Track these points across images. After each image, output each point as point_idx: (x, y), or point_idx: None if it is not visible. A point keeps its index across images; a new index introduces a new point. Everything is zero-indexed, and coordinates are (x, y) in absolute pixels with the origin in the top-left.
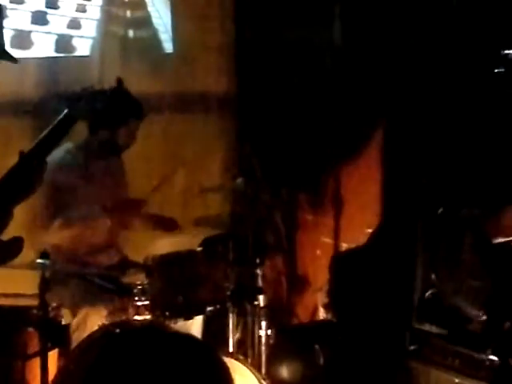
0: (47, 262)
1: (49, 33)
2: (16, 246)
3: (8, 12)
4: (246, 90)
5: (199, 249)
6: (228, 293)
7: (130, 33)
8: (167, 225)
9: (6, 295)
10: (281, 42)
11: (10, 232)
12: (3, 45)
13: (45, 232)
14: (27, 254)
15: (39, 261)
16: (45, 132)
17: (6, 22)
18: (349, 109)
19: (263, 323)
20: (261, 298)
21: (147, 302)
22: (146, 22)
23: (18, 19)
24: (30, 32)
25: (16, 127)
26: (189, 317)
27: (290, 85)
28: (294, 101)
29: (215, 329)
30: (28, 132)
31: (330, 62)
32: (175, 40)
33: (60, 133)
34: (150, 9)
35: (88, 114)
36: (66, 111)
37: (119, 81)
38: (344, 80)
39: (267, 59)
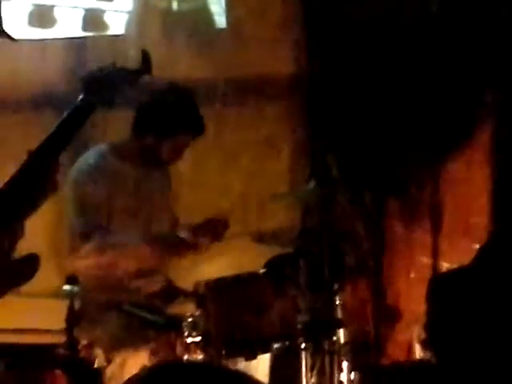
0: (76, 288)
1: (75, 7)
2: (30, 265)
3: None
4: (318, 73)
5: (263, 271)
6: (299, 326)
7: (174, 5)
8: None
9: (27, 331)
10: (360, 14)
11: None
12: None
13: (73, 256)
14: (53, 281)
15: (66, 287)
16: (56, 124)
17: None
18: (451, 93)
19: (345, 364)
20: (341, 332)
21: (199, 339)
22: None
23: None
24: (53, 7)
25: (37, 123)
26: (251, 356)
27: (374, 64)
28: (380, 84)
29: (285, 371)
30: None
31: (422, 37)
32: (229, 13)
33: (74, 124)
34: None
35: (110, 100)
36: (81, 96)
37: (145, 55)
38: (442, 59)
39: (344, 35)
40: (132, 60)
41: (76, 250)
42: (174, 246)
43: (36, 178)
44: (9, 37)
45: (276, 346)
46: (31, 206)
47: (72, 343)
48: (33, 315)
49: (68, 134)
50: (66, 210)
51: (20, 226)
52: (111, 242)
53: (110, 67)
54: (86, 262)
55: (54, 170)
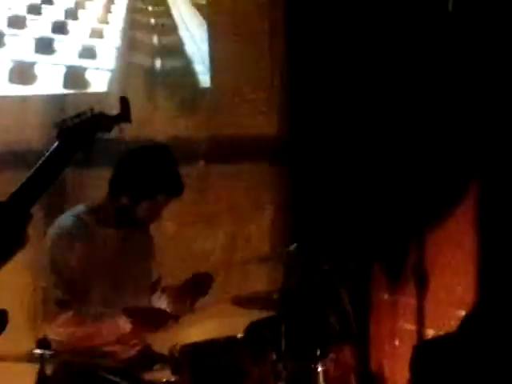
0: (47, 352)
1: (56, 64)
2: None
3: (6, 39)
4: (301, 133)
5: (241, 336)
6: None
7: (158, 63)
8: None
9: None
10: (346, 70)
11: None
12: None
13: (48, 324)
14: (24, 344)
15: (37, 351)
16: (29, 173)
17: (3, 51)
18: (438, 157)
19: None
20: None
21: None
22: (177, 49)
23: (18, 47)
24: (34, 63)
25: (18, 182)
26: None
27: (358, 127)
28: (364, 148)
29: None
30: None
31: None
32: (213, 72)
33: (50, 173)
34: (182, 33)
35: (86, 145)
36: (56, 144)
37: (123, 101)
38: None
39: (327, 101)
40: None
41: (51, 318)
42: (154, 318)
43: (6, 232)
44: None
45: None
46: (0, 259)
47: None
48: (2, 380)
49: (42, 183)
50: (42, 274)
51: None
52: (89, 313)
53: (87, 113)
54: (61, 331)
55: (25, 223)
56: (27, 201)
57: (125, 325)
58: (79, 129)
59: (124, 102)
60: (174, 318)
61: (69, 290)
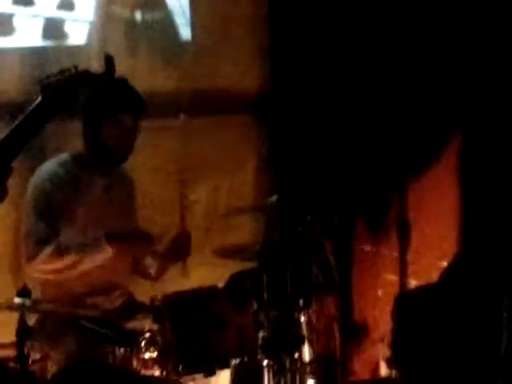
0: (28, 301)
1: (35, 16)
2: None
3: None
4: (282, 85)
5: (222, 285)
6: (260, 342)
7: (138, 15)
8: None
9: None
10: (329, 21)
11: None
12: None
13: (31, 263)
14: (7, 292)
15: (17, 300)
16: (11, 127)
17: None
18: (420, 109)
19: (310, 382)
20: (305, 349)
21: (156, 354)
22: (157, 1)
23: None
24: (12, 15)
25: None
26: (210, 372)
27: (336, 76)
28: (344, 97)
29: None
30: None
31: (391, 50)
32: (194, 24)
33: (30, 129)
34: None
35: (69, 103)
36: (38, 100)
37: (108, 60)
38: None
39: (309, 46)
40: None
41: (33, 257)
42: (135, 241)
43: None
44: None
45: (234, 361)
46: None
47: (22, 357)
48: None
49: (23, 138)
50: (23, 216)
51: None
52: (70, 244)
53: (71, 69)
54: (44, 267)
55: (5, 176)
56: (8, 155)
57: (107, 248)
58: (63, 86)
59: (109, 60)
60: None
61: (50, 227)
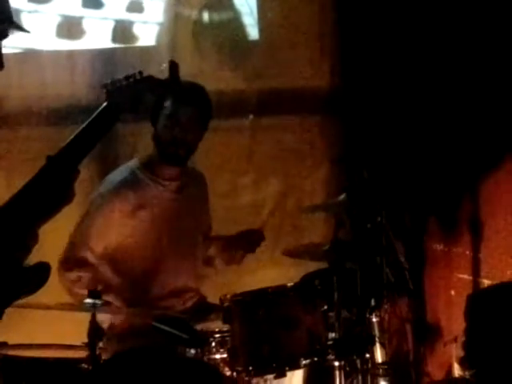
0: (98, 302)
1: (104, 18)
2: (40, 274)
3: None
4: (352, 83)
5: (291, 284)
6: (330, 343)
7: (205, 16)
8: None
9: (49, 346)
10: (399, 15)
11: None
12: (9, 14)
13: (60, 269)
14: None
15: (88, 301)
16: (77, 131)
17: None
18: (492, 107)
19: None
20: (378, 350)
21: (225, 355)
22: (225, 1)
23: (66, 3)
24: (82, 18)
25: (62, 137)
26: (280, 372)
27: (407, 72)
28: (417, 97)
29: None
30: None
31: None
32: (261, 24)
33: (97, 132)
34: None
35: (134, 107)
36: (104, 104)
37: (173, 65)
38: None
39: (380, 46)
40: (162, 73)
41: (64, 269)
42: None
43: (53, 186)
44: (22, 29)
45: (304, 362)
46: (45, 211)
47: (94, 358)
48: (57, 329)
49: (89, 141)
50: (80, 218)
51: (33, 233)
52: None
53: (136, 75)
54: (63, 282)
55: (72, 179)
56: (75, 157)
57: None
58: (128, 91)
59: (173, 66)
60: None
61: (78, 253)
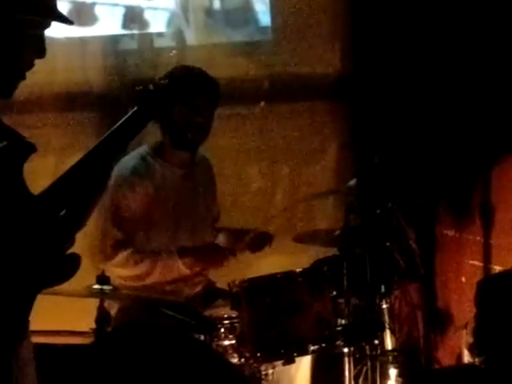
0: (106, 287)
1: (115, 5)
2: (71, 264)
3: None
4: (363, 69)
5: (299, 270)
6: (338, 329)
7: (217, 2)
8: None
9: (58, 332)
10: (409, 13)
11: None
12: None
13: (106, 263)
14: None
15: (96, 287)
16: (112, 129)
17: None
18: (502, 92)
19: (392, 371)
20: (387, 337)
21: (234, 341)
22: None
23: None
24: (94, 4)
25: (79, 123)
26: (288, 358)
27: (418, 58)
28: (428, 84)
29: (327, 378)
30: (94, 129)
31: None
32: (273, 10)
33: (128, 134)
34: None
35: (163, 112)
36: (135, 108)
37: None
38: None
39: (392, 34)
40: (172, 58)
41: (109, 258)
42: (209, 256)
43: (88, 180)
44: (65, 20)
45: (313, 348)
46: (89, 207)
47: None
48: (66, 316)
49: (117, 144)
50: (100, 214)
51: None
52: (144, 253)
53: (166, 80)
54: (118, 270)
55: (104, 180)
56: (110, 155)
57: (179, 265)
58: (159, 96)
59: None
60: (230, 251)
61: (127, 230)
